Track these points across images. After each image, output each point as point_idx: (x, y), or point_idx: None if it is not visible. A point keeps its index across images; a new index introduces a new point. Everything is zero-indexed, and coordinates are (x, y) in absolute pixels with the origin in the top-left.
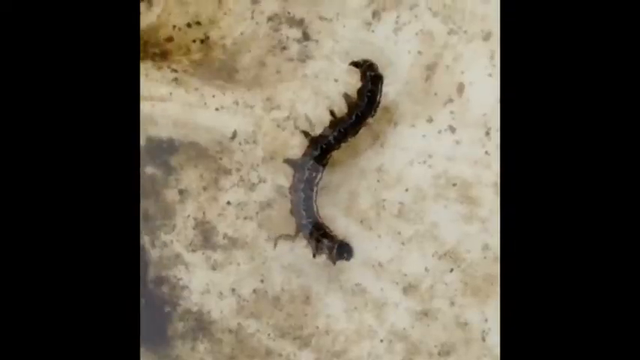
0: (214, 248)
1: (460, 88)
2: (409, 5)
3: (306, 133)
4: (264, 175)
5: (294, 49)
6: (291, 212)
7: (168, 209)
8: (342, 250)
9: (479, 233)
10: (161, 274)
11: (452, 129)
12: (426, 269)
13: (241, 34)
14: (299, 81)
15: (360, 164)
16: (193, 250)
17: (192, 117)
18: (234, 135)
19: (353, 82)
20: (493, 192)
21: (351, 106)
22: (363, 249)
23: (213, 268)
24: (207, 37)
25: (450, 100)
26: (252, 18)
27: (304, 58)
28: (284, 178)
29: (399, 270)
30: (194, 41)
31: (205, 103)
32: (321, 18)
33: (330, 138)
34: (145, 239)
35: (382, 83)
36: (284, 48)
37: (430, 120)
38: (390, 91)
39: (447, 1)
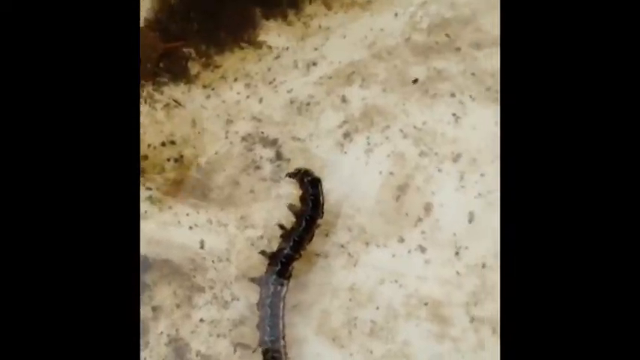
0: None
1: (429, 208)
2: (381, 127)
3: (263, 252)
4: (238, 293)
5: (268, 168)
6: (257, 327)
7: (141, 326)
8: None
9: (450, 352)
10: None
11: (422, 249)
12: None
13: (215, 153)
14: (272, 201)
15: (333, 283)
16: None
17: (165, 235)
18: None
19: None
20: (464, 312)
21: (298, 214)
22: None
23: None
24: (182, 156)
25: (420, 220)
26: (227, 137)
27: (277, 178)
28: (257, 296)
29: None
30: (168, 160)
31: (179, 222)
32: (294, 138)
33: (287, 250)
34: None
35: (321, 184)
36: (257, 167)
37: (401, 240)
38: (362, 210)
39: (418, 124)
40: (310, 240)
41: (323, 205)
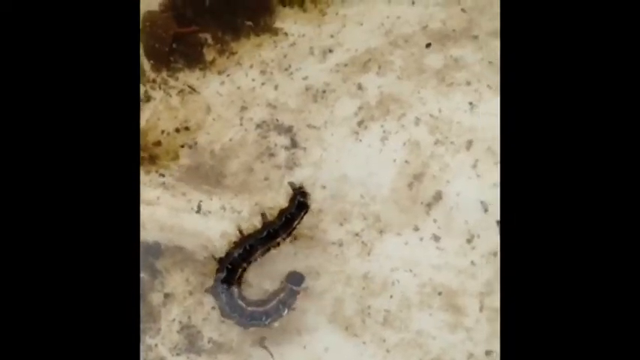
0: (199, 352)
1: (444, 196)
2: (397, 115)
3: (213, 257)
4: (251, 281)
5: (282, 156)
6: (246, 328)
7: (153, 312)
8: (294, 281)
9: (464, 342)
10: None
11: (436, 237)
12: None
13: (230, 140)
14: (287, 188)
15: (347, 271)
16: (178, 354)
17: (178, 221)
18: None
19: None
20: (478, 301)
21: (265, 223)
22: (348, 356)
23: None
24: (196, 143)
25: (435, 209)
26: (241, 124)
27: (292, 165)
28: (269, 283)
29: None
30: (182, 146)
31: (192, 208)
32: (309, 126)
33: (235, 255)
34: None
35: (305, 213)
36: (272, 155)
37: (415, 228)
38: (376, 198)
39: (434, 112)
40: (263, 254)
41: (292, 230)
